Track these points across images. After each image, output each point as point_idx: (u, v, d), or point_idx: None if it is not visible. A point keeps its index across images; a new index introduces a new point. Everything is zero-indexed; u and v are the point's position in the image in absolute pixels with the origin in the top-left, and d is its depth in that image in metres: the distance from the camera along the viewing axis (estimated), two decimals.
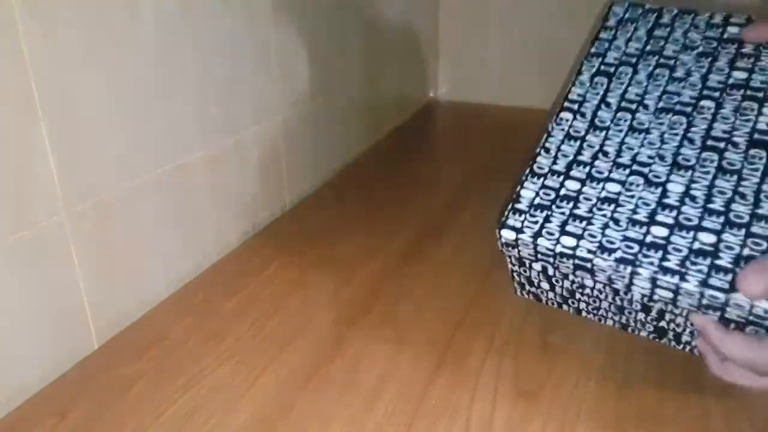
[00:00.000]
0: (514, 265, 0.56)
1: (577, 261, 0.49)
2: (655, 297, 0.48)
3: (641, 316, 0.53)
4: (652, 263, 0.46)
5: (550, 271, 0.54)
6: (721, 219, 0.47)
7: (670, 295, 0.46)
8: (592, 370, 0.53)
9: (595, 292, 0.53)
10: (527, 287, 0.59)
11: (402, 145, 1.12)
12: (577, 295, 0.55)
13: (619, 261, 0.47)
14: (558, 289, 0.56)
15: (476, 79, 1.35)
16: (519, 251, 0.52)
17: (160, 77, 0.61)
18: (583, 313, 0.57)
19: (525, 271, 0.56)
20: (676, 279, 0.45)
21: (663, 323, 0.52)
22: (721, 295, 0.43)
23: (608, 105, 0.56)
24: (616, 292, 0.51)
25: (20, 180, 0.48)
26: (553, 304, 0.59)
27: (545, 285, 0.57)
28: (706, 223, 0.47)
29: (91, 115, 0.54)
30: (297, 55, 0.84)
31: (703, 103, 0.54)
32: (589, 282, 0.52)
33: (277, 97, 0.80)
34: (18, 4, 0.46)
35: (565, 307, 0.58)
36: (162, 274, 0.64)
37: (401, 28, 1.19)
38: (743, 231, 0.46)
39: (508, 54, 1.30)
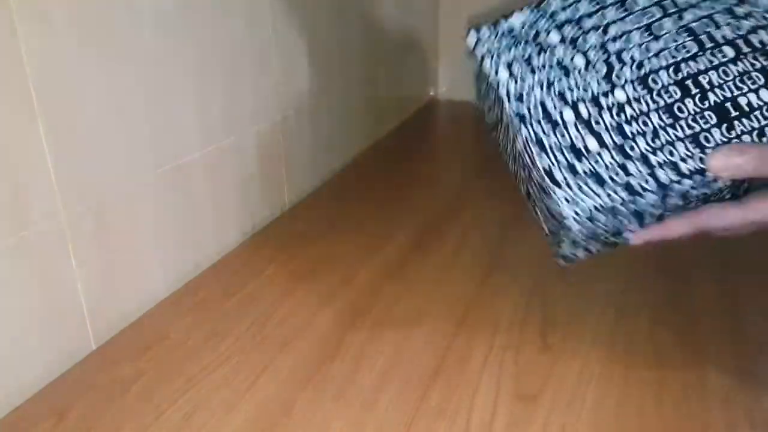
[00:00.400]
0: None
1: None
2: None
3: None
4: None
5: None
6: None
7: None
8: (592, 371, 0.53)
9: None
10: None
11: (402, 145, 1.12)
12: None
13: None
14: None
15: None
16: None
17: (160, 77, 0.61)
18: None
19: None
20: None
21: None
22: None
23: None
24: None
25: (18, 180, 0.48)
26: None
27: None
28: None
29: (90, 116, 0.54)
30: (297, 55, 0.84)
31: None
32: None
33: (277, 96, 0.80)
34: (16, 4, 0.46)
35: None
36: (162, 274, 0.64)
37: (401, 27, 1.19)
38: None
39: None
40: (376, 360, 0.55)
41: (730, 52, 0.43)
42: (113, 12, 0.54)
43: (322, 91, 0.91)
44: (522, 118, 0.45)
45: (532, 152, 0.45)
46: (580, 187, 0.44)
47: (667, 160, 0.43)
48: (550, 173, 0.45)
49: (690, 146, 0.43)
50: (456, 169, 0.99)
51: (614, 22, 0.45)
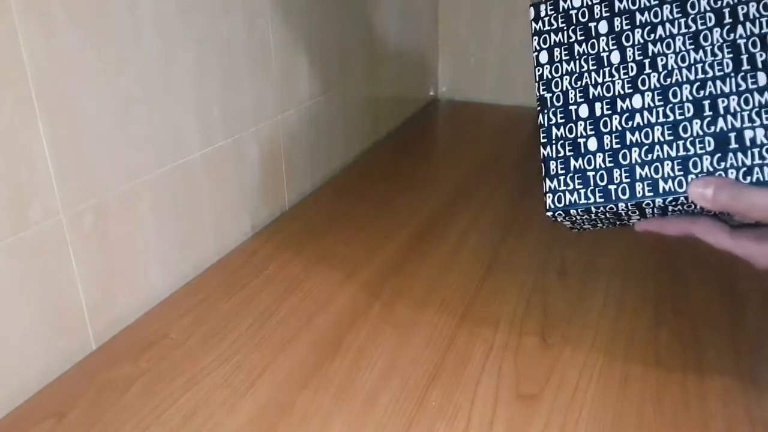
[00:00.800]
0: None
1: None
2: None
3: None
4: None
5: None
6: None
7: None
8: (592, 371, 0.53)
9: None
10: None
11: (402, 145, 1.12)
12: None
13: None
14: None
15: (476, 79, 1.35)
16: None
17: (160, 77, 0.61)
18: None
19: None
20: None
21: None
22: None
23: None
24: None
25: (18, 180, 0.48)
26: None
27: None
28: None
29: (89, 116, 0.54)
30: (297, 55, 0.84)
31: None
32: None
33: (276, 97, 0.80)
34: (16, 4, 0.46)
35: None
36: (162, 274, 0.64)
37: (401, 27, 1.19)
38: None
39: (508, 54, 1.30)
40: (376, 360, 0.55)
41: (762, 79, 0.42)
42: (113, 12, 0.54)
43: (322, 91, 0.91)
44: (543, 104, 0.47)
45: (540, 138, 0.47)
46: (566, 183, 0.46)
47: (650, 176, 0.44)
48: (547, 163, 0.47)
49: (677, 168, 0.43)
50: (456, 169, 0.99)
51: (665, 22, 0.45)
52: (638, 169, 0.44)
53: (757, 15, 0.42)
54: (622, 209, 0.46)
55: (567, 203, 0.46)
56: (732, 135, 0.42)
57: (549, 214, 0.47)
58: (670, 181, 0.43)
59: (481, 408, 0.49)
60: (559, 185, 0.46)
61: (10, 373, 0.50)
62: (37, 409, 0.50)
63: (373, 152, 1.08)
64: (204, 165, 0.68)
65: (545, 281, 0.66)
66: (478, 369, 0.53)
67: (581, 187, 0.46)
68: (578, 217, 0.48)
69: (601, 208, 0.46)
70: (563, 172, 0.46)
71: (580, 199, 0.46)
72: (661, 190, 0.43)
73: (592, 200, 0.45)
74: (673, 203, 0.44)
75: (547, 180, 0.47)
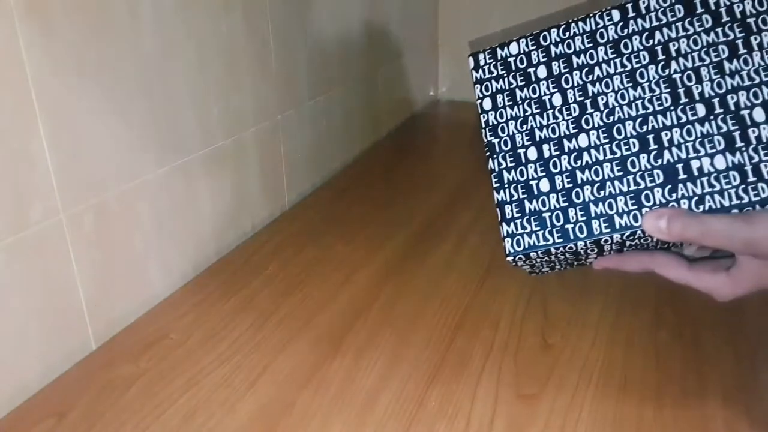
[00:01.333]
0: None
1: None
2: None
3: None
4: None
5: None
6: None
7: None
8: (592, 371, 0.53)
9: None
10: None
11: (402, 145, 1.12)
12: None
13: None
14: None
15: None
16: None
17: (160, 77, 0.61)
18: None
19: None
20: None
21: None
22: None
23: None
24: None
25: (18, 181, 0.48)
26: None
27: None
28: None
29: (89, 116, 0.54)
30: (296, 55, 0.84)
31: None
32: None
33: (276, 97, 0.80)
34: (16, 4, 0.46)
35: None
36: (161, 274, 0.64)
37: (401, 27, 1.19)
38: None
39: None
40: (376, 360, 0.55)
41: (701, 110, 0.43)
42: (113, 12, 0.54)
43: (322, 91, 0.91)
44: (492, 149, 0.48)
45: (492, 183, 0.48)
46: (523, 226, 0.46)
47: (605, 213, 0.44)
48: (502, 208, 0.47)
49: (630, 202, 0.44)
50: (456, 169, 0.99)
51: (601, 63, 0.46)
52: (593, 207, 0.44)
53: (689, 50, 0.44)
54: (581, 248, 0.46)
55: (526, 246, 0.46)
56: (679, 166, 0.43)
57: (509, 259, 0.47)
58: (625, 216, 0.43)
59: (481, 408, 0.49)
60: (517, 229, 0.46)
61: (10, 373, 0.50)
62: (37, 409, 0.50)
63: (373, 152, 1.08)
64: (204, 165, 0.68)
65: (545, 281, 0.66)
66: (478, 369, 0.53)
67: (539, 228, 0.46)
68: (538, 260, 0.48)
69: (561, 249, 0.46)
70: (519, 215, 0.46)
71: (539, 241, 0.46)
72: (617, 226, 0.44)
73: (551, 241, 0.45)
74: (631, 238, 0.44)
75: (504, 225, 0.47)
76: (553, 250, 0.46)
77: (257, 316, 0.61)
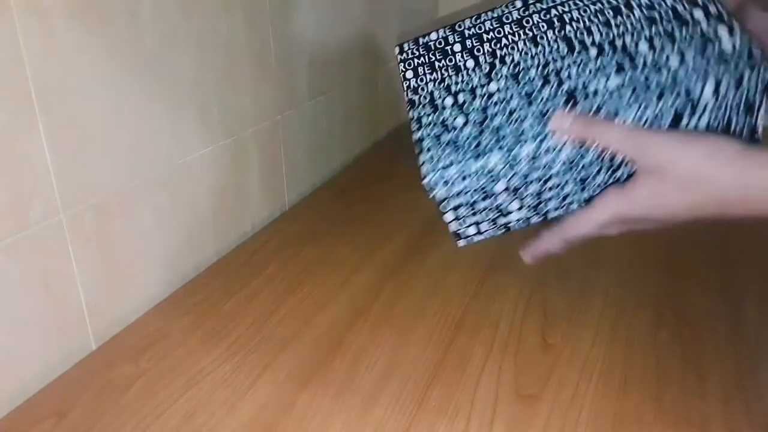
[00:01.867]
0: None
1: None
2: None
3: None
4: None
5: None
6: None
7: None
8: (592, 371, 0.53)
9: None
10: None
11: (401, 145, 1.11)
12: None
13: None
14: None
15: None
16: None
17: (160, 77, 0.61)
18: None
19: None
20: None
21: None
22: None
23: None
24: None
25: (18, 181, 0.48)
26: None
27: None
28: None
29: (89, 116, 0.54)
30: (296, 55, 0.84)
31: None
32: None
33: (276, 97, 0.80)
34: (16, 4, 0.46)
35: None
36: (161, 274, 0.64)
37: (401, 27, 1.19)
38: None
39: None
40: (376, 360, 0.55)
41: (593, 52, 0.49)
42: (113, 12, 0.54)
43: (322, 91, 0.91)
44: (412, 104, 0.55)
45: (412, 128, 0.53)
46: (438, 155, 0.51)
47: (514, 131, 0.49)
48: (420, 143, 0.52)
49: (535, 122, 0.48)
50: None
51: (507, 34, 0.52)
52: (503, 129, 0.49)
53: (580, 16, 0.51)
54: (493, 165, 0.49)
55: (440, 167, 0.50)
56: (578, 90, 0.48)
57: (425, 181, 0.51)
58: (532, 129, 0.48)
59: (481, 408, 0.49)
60: (433, 158, 0.51)
61: (10, 373, 0.50)
62: (37, 409, 0.50)
63: (373, 152, 1.08)
64: (204, 165, 0.68)
65: (545, 281, 0.66)
66: (478, 369, 0.53)
67: (454, 154, 0.50)
68: (455, 189, 0.51)
69: (476, 173, 0.50)
70: (436, 145, 0.51)
71: (452, 164, 0.50)
72: (526, 138, 0.48)
73: (464, 160, 0.50)
74: (534, 160, 0.48)
75: (422, 155, 0.51)
76: (467, 172, 0.50)
77: (257, 316, 0.61)
